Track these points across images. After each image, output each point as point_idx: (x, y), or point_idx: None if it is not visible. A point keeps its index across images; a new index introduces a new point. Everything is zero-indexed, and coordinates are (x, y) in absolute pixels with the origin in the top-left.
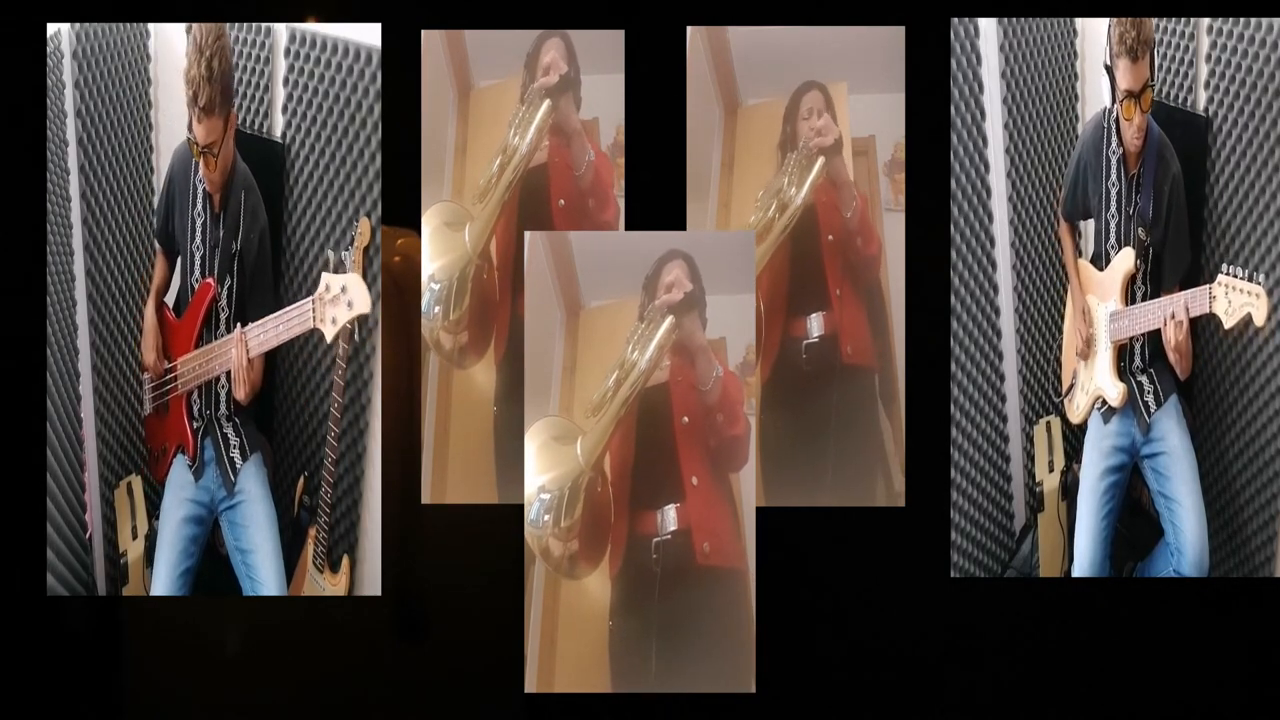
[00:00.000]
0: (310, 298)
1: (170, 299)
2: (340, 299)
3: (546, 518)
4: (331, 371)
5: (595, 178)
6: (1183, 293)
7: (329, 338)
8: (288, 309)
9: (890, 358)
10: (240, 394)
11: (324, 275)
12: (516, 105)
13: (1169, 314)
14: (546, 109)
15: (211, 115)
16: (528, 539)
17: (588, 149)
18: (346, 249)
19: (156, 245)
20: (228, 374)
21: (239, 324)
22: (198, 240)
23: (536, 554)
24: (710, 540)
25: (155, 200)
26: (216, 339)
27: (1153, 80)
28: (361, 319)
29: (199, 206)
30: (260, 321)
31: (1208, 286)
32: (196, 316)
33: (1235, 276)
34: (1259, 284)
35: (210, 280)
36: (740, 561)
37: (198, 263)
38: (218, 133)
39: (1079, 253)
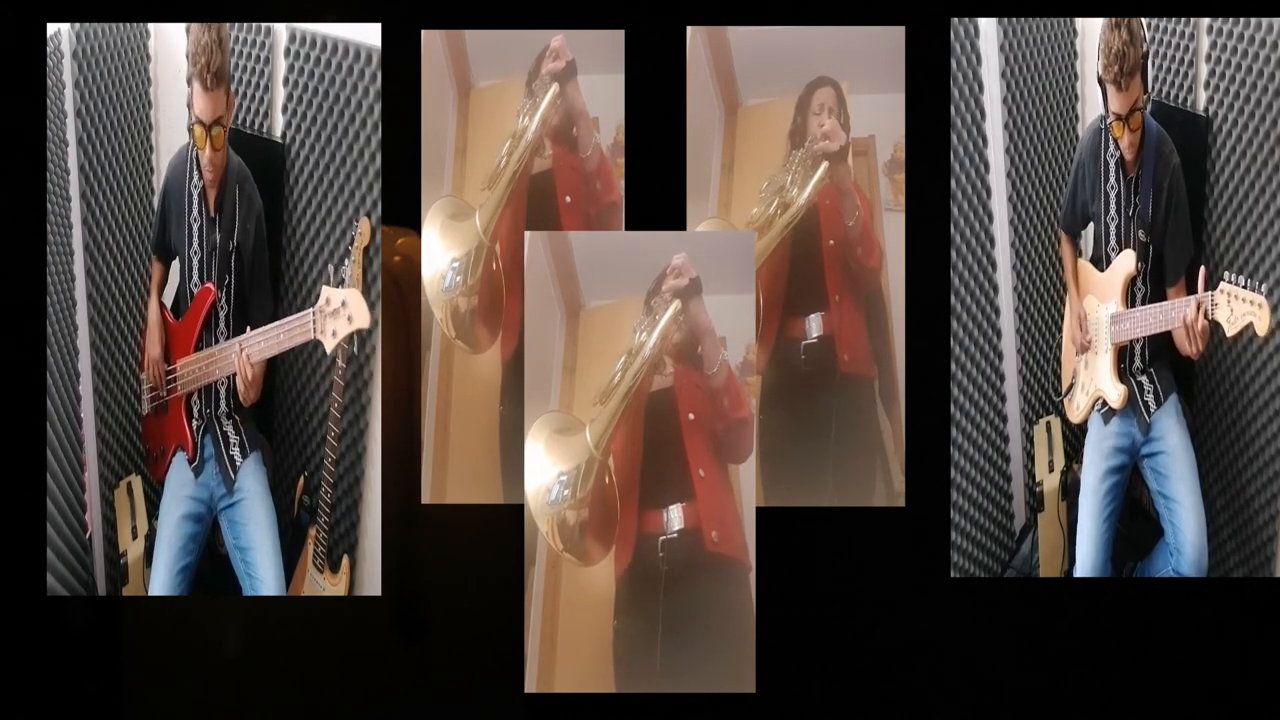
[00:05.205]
0: (311, 309)
1: (168, 299)
2: (341, 313)
3: (565, 493)
4: (331, 372)
5: (600, 161)
6: (1189, 297)
7: (329, 349)
8: (289, 319)
9: (890, 358)
10: (245, 399)
11: (324, 289)
12: (522, 100)
13: (1186, 321)
14: (554, 92)
15: (219, 86)
16: (538, 521)
17: (594, 133)
18: (344, 262)
19: (153, 256)
20: (230, 376)
21: (242, 329)
22: (195, 245)
23: (553, 533)
24: (719, 529)
25: (155, 201)
26: (217, 339)
27: (1145, 99)
28: (360, 331)
29: (194, 212)
30: (261, 330)
31: (1210, 294)
32: (196, 320)
33: (1237, 285)
34: (1261, 293)
35: (210, 285)
36: (744, 555)
37: (195, 267)
38: (222, 106)
39: (1079, 253)
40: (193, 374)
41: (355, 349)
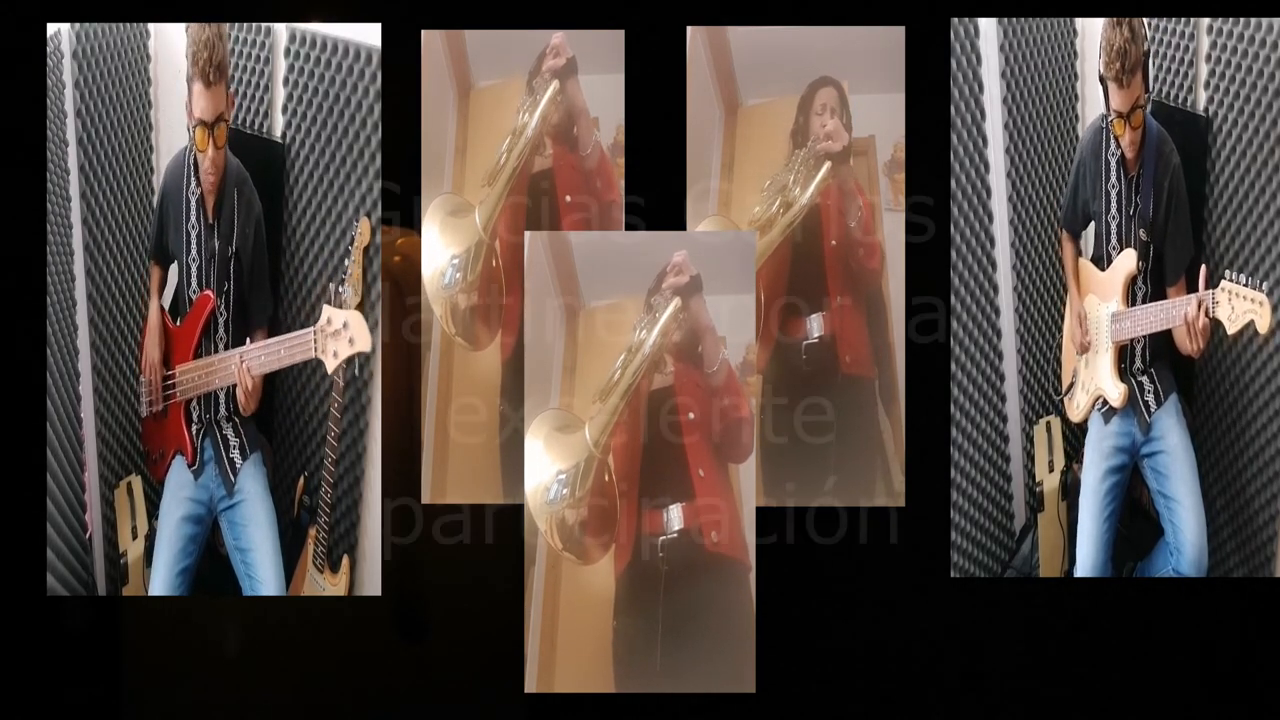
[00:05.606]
0: (312, 328)
1: (166, 302)
2: (342, 334)
3: (564, 492)
4: (331, 372)
5: (600, 160)
6: (1190, 295)
7: (329, 369)
8: (290, 336)
9: (890, 358)
10: (245, 409)
11: (326, 308)
12: (522, 98)
13: (1187, 319)
14: (554, 89)
15: (220, 81)
16: (538, 519)
17: (594, 132)
18: (345, 265)
19: (151, 261)
20: (230, 385)
21: (242, 334)
22: (193, 252)
23: (552, 532)
24: (718, 529)
25: (155, 200)
26: (216, 346)
27: (1145, 96)
28: (361, 354)
29: (192, 219)
30: (262, 344)
31: (1211, 292)
32: (195, 327)
33: (1239, 283)
34: (1262, 292)
35: (209, 293)
36: (743, 555)
37: (194, 274)
38: (224, 102)
39: (1079, 252)
40: (192, 382)
41: (356, 372)
